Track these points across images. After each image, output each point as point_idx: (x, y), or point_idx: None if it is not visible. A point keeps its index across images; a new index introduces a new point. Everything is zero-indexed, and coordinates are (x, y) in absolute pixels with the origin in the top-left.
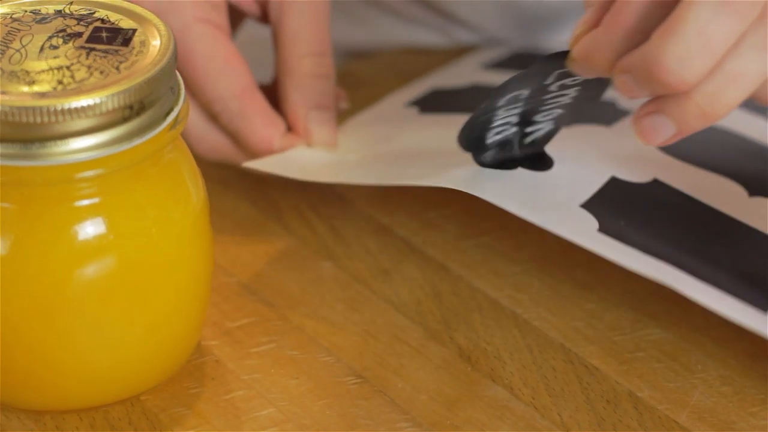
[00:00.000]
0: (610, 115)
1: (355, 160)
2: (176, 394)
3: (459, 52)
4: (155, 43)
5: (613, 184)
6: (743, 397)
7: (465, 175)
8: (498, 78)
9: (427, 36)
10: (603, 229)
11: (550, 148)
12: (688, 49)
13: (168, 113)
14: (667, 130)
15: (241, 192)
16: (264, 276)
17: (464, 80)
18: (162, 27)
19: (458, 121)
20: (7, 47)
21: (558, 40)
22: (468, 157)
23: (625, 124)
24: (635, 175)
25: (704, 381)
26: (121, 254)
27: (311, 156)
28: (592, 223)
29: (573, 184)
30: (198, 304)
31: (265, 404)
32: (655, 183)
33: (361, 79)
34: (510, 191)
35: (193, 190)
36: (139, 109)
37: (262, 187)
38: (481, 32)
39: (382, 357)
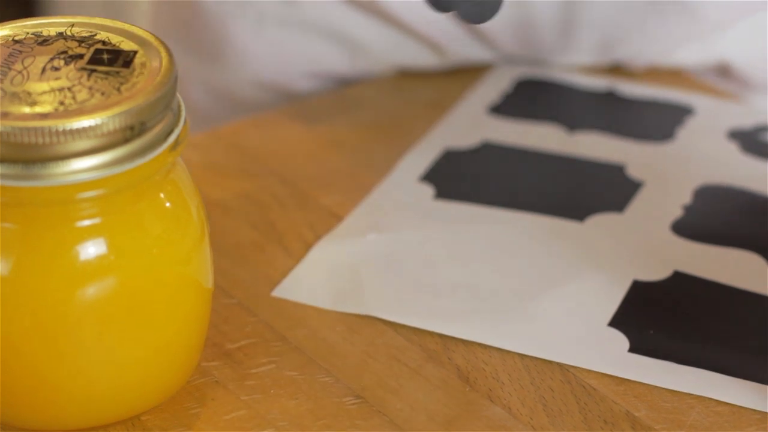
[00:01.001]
0: (620, 192)
1: (384, 285)
2: (176, 415)
3: (454, 72)
4: (156, 64)
5: (636, 288)
6: (739, 417)
7: (482, 323)
8: (506, 132)
9: (421, 57)
10: (634, 347)
11: (564, 264)
12: None
13: (169, 134)
14: None
15: (240, 214)
16: (264, 297)
17: (474, 138)
18: (162, 49)
19: (473, 219)
20: (9, 69)
21: (566, 61)
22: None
23: (639, 204)
24: (655, 271)
25: (701, 401)
26: (121, 274)
27: (337, 270)
28: (623, 343)
29: (596, 301)
30: (198, 324)
31: (264, 425)
32: (677, 276)
33: (361, 102)
34: (532, 331)
35: (194, 210)
36: (140, 130)
37: (261, 209)
38: (493, 48)
39: (380, 377)
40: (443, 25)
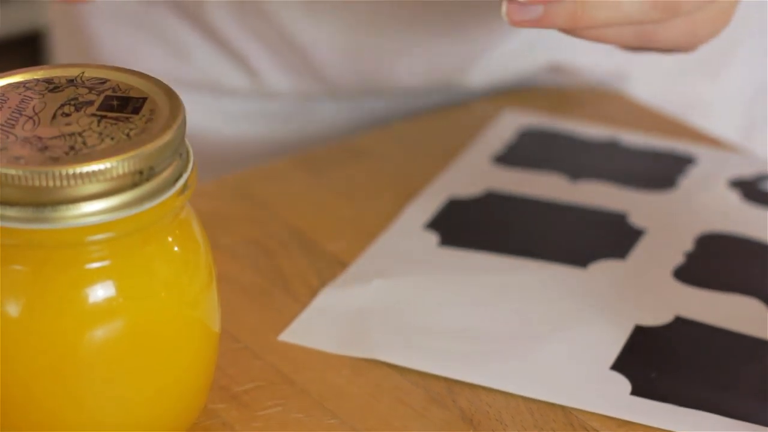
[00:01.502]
0: (622, 239)
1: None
2: None
3: (458, 122)
4: (164, 110)
5: (638, 333)
6: None
7: (485, 366)
8: (510, 181)
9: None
10: (636, 390)
11: (567, 309)
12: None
13: (177, 179)
14: (533, 13)
15: (247, 260)
16: (270, 342)
17: (478, 187)
18: (171, 95)
19: (477, 266)
20: (21, 114)
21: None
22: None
23: (641, 251)
24: (657, 316)
25: None
26: (130, 317)
27: (344, 312)
28: (625, 386)
29: (598, 344)
30: (205, 366)
31: None
32: (678, 321)
33: (367, 152)
34: (535, 374)
35: (202, 254)
36: (148, 174)
37: (269, 255)
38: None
39: (386, 420)
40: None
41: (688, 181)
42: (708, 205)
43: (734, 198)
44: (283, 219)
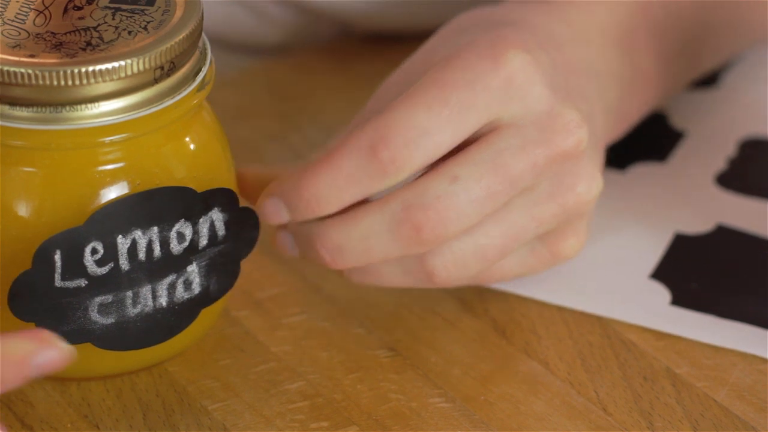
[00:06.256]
0: (662, 141)
1: None
2: (205, 366)
3: None
4: (181, 1)
5: (678, 241)
6: None
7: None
8: None
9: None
10: (676, 301)
11: (604, 214)
12: (350, 246)
13: (197, 74)
14: (294, 252)
15: (271, 156)
16: None
17: None
18: None
19: None
20: (30, 9)
21: None
22: None
23: (682, 154)
24: (697, 223)
25: (744, 358)
26: None
27: None
28: (665, 296)
29: (636, 252)
30: None
31: (295, 377)
32: (720, 230)
33: (393, 43)
34: (571, 283)
35: (221, 152)
36: (169, 69)
37: (291, 149)
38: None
39: (415, 330)
40: None
41: (732, 77)
42: (752, 105)
43: None
44: (306, 111)
